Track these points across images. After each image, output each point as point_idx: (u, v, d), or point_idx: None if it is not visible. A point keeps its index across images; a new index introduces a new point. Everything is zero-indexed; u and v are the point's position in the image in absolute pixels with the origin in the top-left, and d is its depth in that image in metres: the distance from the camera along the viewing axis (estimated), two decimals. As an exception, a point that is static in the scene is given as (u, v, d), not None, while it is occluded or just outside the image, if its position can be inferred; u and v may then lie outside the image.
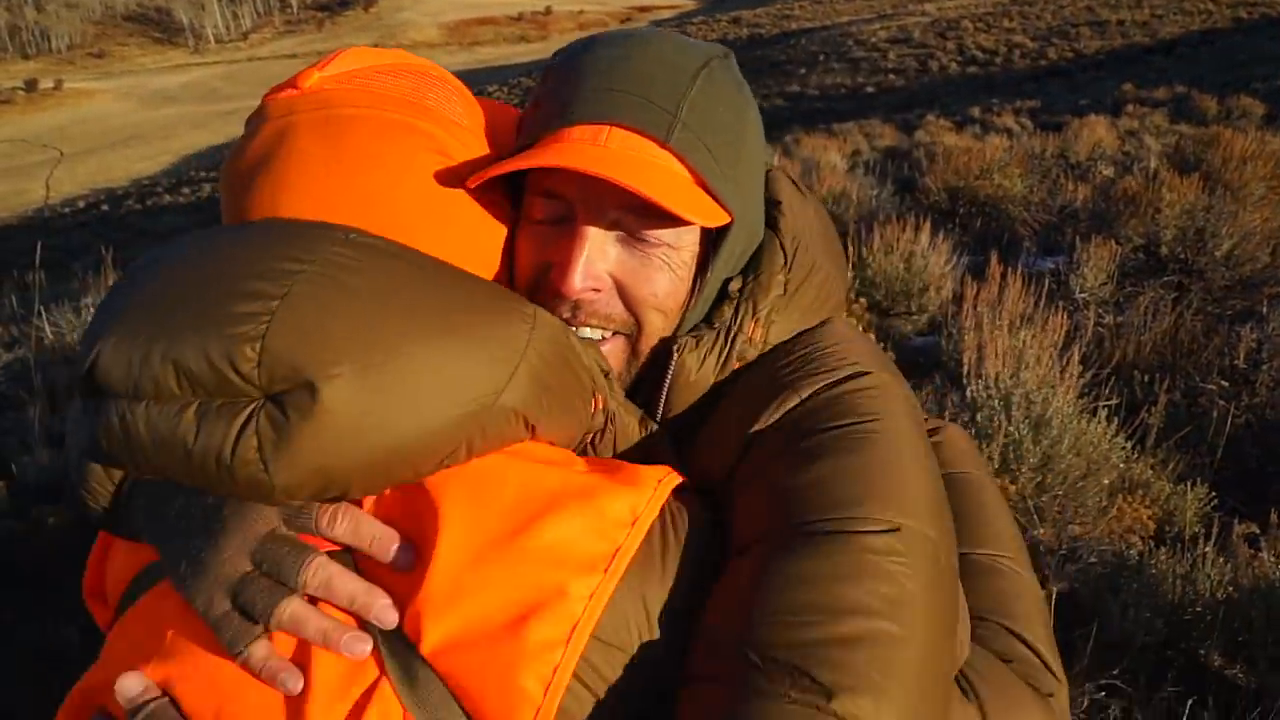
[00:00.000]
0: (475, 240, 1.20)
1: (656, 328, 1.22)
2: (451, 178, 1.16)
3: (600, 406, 1.15)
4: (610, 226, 1.18)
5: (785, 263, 1.24)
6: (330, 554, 0.99)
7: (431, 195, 1.14)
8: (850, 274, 6.54)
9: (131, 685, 0.98)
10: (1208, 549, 3.54)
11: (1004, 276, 5.36)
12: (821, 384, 1.15)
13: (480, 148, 1.22)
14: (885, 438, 1.08)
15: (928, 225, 7.11)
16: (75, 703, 1.09)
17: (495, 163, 1.16)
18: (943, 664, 1.00)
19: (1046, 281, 5.81)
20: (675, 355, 1.20)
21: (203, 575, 0.96)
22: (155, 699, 0.97)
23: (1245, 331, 5.67)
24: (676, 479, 1.09)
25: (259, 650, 0.94)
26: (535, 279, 1.21)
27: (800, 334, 1.26)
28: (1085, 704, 3.12)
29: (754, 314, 1.22)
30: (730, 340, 1.21)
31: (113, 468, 1.04)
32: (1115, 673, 3.18)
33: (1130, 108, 21.40)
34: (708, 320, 1.23)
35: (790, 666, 0.90)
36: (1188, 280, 6.85)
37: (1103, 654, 3.25)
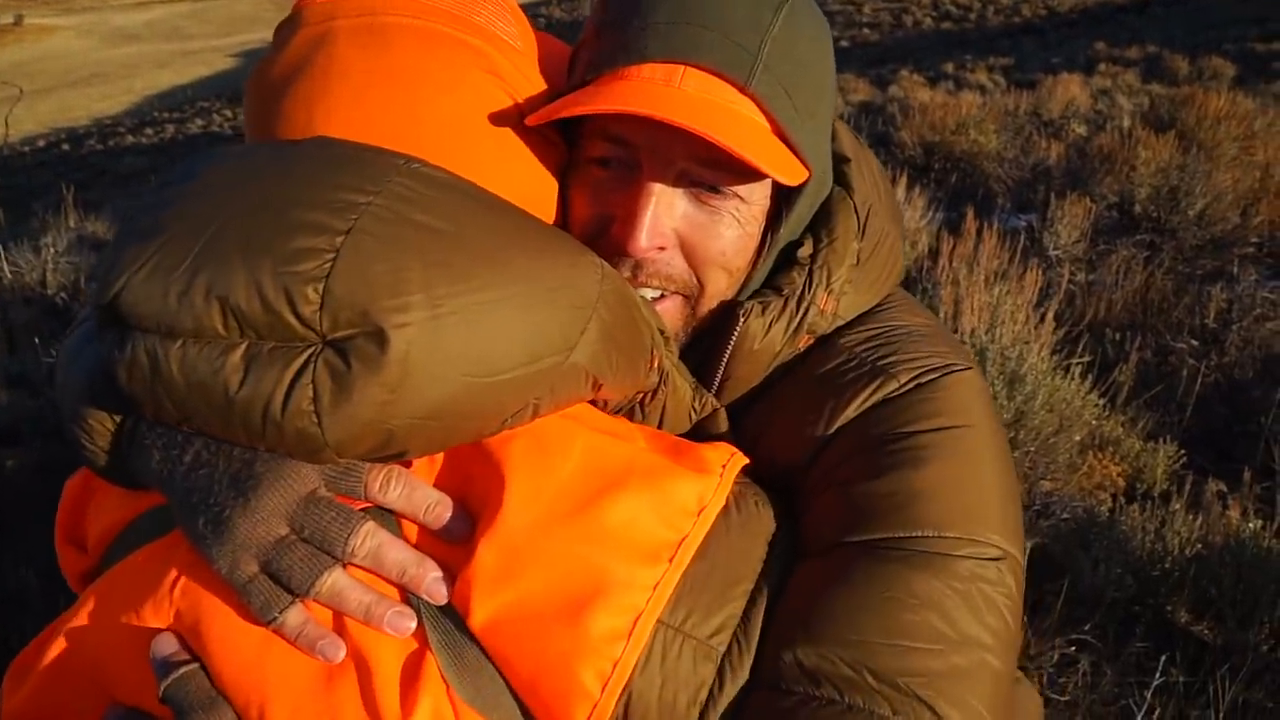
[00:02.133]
0: (529, 175, 1.09)
1: (720, 288, 1.13)
2: (505, 103, 1.05)
3: (656, 365, 1.05)
4: (678, 178, 1.07)
5: (859, 229, 1.16)
6: (366, 511, 0.91)
7: (483, 119, 1.03)
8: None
9: (164, 645, 0.90)
10: (1177, 506, 3.56)
11: (979, 232, 5.33)
12: (919, 372, 1.09)
13: (533, 73, 1.11)
14: (983, 445, 1.05)
15: (903, 180, 7.08)
16: (48, 657, 0.99)
17: (557, 99, 1.05)
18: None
19: (1021, 238, 5.80)
20: (741, 320, 1.10)
21: (228, 536, 0.86)
22: (186, 663, 0.89)
23: (1216, 291, 5.71)
24: (741, 461, 1.02)
25: (294, 617, 0.87)
26: (595, 231, 1.11)
27: (870, 312, 1.19)
28: (1055, 659, 3.14)
29: (827, 284, 1.13)
30: (802, 310, 1.12)
31: (119, 410, 0.94)
32: (1085, 628, 3.20)
33: (1103, 66, 21.36)
34: (774, 287, 1.14)
35: (913, 695, 0.88)
36: (1160, 239, 6.86)
37: (1072, 609, 3.27)
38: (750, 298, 1.13)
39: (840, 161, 1.20)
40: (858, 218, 1.16)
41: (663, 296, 1.13)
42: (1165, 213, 6.97)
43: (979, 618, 0.93)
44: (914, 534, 0.96)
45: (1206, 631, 3.28)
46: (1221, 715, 2.88)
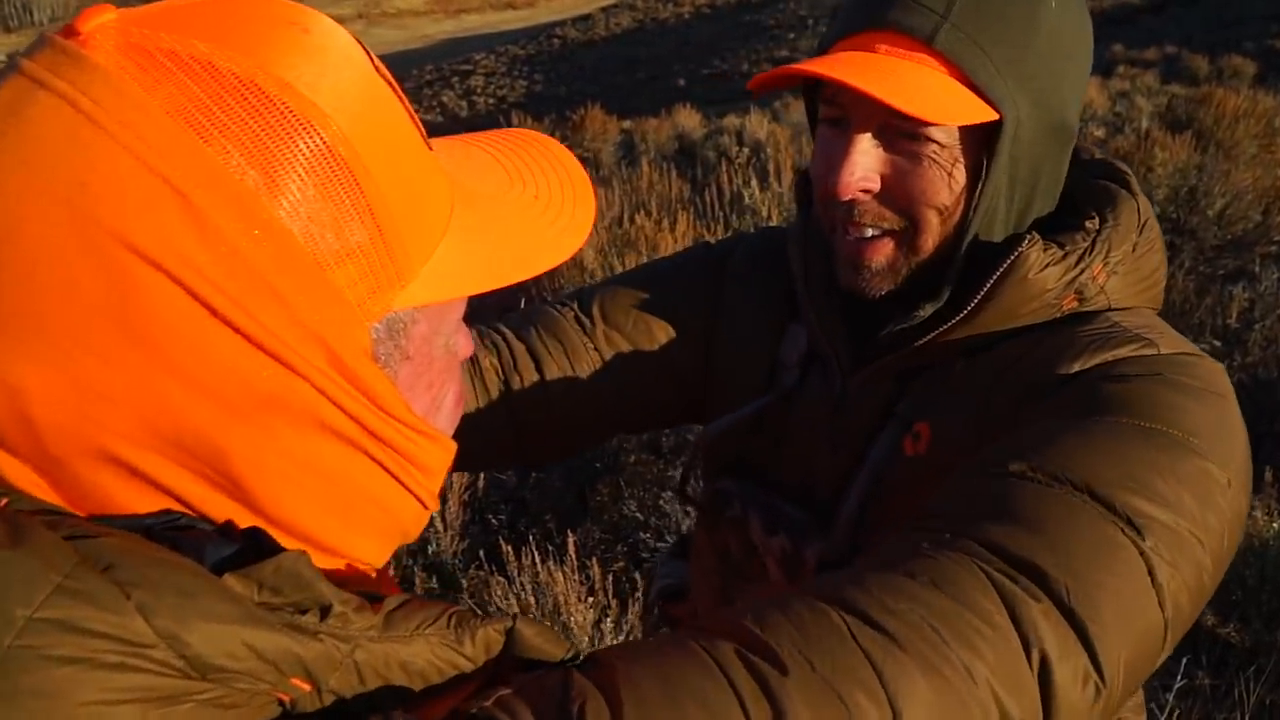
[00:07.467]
0: None
1: (933, 225, 1.19)
2: None
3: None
4: (879, 129, 1.16)
5: (1139, 224, 1.20)
6: None
7: None
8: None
9: None
10: (1201, 508, 3.54)
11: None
12: (1182, 349, 1.11)
13: None
14: (1239, 422, 1.05)
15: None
16: None
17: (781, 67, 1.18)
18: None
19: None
20: (1025, 244, 1.14)
21: None
22: None
23: (1237, 291, 5.68)
24: None
25: None
26: (822, 181, 1.22)
27: (1137, 309, 1.22)
28: (1079, 664, 3.12)
29: (1105, 256, 1.17)
30: (1079, 268, 1.16)
31: None
32: (1109, 633, 3.18)
33: (1121, 69, 21.24)
34: (1057, 243, 1.18)
35: (1127, 519, 0.87)
36: (1180, 240, 6.83)
37: (1096, 614, 3.25)
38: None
39: (1124, 179, 1.26)
40: (1139, 215, 1.21)
41: (877, 236, 1.21)
42: (1184, 213, 6.95)
43: (1201, 508, 0.91)
44: (1159, 427, 0.96)
45: (1233, 634, 3.26)
46: (1248, 717, 2.86)
